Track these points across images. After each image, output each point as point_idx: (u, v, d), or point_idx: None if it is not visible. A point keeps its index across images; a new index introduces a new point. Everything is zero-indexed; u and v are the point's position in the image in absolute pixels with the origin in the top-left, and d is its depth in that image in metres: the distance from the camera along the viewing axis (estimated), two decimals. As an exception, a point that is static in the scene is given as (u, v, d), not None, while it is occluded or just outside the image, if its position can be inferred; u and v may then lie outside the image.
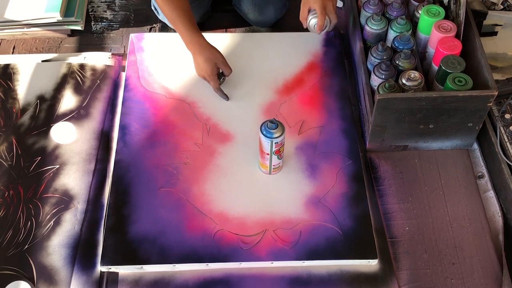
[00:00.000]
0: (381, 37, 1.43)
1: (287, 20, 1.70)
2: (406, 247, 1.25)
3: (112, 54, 1.60)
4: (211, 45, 1.44)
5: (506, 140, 1.32)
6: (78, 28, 1.67)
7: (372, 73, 1.34)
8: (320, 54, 1.57)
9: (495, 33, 1.57)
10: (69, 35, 1.68)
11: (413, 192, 1.33)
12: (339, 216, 1.26)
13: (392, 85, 1.27)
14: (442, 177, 1.36)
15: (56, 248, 1.23)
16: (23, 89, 1.51)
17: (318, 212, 1.27)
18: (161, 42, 1.60)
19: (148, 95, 1.48)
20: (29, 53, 1.63)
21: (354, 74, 1.53)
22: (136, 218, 1.26)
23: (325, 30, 1.40)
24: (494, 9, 1.55)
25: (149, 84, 1.50)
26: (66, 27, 1.67)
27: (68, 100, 1.48)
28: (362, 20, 1.47)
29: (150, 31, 1.69)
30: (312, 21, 1.39)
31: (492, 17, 1.54)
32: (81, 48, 1.65)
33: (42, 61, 1.58)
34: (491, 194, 1.32)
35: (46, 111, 1.46)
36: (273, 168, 1.31)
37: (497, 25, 1.56)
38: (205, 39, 1.43)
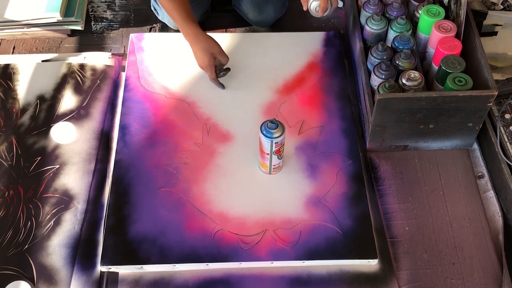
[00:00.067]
0: (381, 37, 1.43)
1: (287, 20, 1.71)
2: (406, 247, 1.25)
3: (112, 54, 1.60)
4: (208, 36, 1.44)
5: (506, 140, 1.32)
6: (78, 28, 1.67)
7: (372, 73, 1.34)
8: (320, 54, 1.57)
9: (495, 33, 1.57)
10: (69, 35, 1.68)
11: (413, 192, 1.33)
12: (339, 216, 1.26)
13: (392, 85, 1.27)
14: (442, 177, 1.36)
15: (56, 248, 1.23)
16: (23, 89, 1.51)
17: (318, 212, 1.27)
18: (161, 42, 1.60)
19: (148, 95, 1.48)
20: (29, 53, 1.63)
21: (354, 74, 1.53)
22: (136, 218, 1.26)
23: (327, 13, 1.38)
24: (494, 9, 1.55)
25: (149, 84, 1.50)
26: (66, 27, 1.67)
27: (68, 100, 1.48)
28: (362, 20, 1.47)
29: (150, 31, 1.69)
30: (314, 3, 1.37)
31: (492, 17, 1.54)
32: (81, 48, 1.65)
33: (42, 61, 1.58)
34: (491, 194, 1.32)
35: (46, 111, 1.46)
36: (273, 168, 1.31)
37: (497, 25, 1.56)
38: (201, 30, 1.43)
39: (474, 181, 1.35)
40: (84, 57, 1.59)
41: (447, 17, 1.39)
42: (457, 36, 1.35)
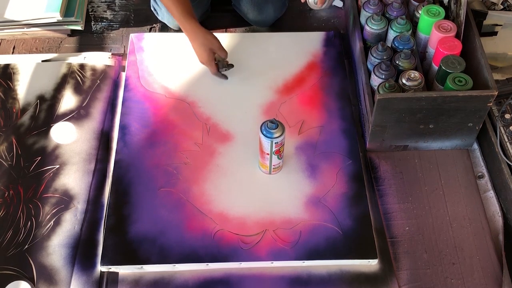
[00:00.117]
0: (381, 37, 1.43)
1: (287, 20, 1.71)
2: (406, 247, 1.25)
3: (112, 54, 1.60)
4: (206, 31, 1.44)
5: (506, 140, 1.32)
6: (78, 28, 1.67)
7: (372, 73, 1.34)
8: (320, 54, 1.57)
9: (495, 33, 1.57)
10: (69, 35, 1.68)
11: (413, 192, 1.33)
12: (339, 216, 1.26)
13: (392, 85, 1.27)
14: (442, 177, 1.36)
15: (56, 248, 1.23)
16: (23, 89, 1.51)
17: (318, 212, 1.27)
18: (161, 42, 1.60)
19: (148, 95, 1.48)
20: (29, 53, 1.63)
21: (354, 74, 1.53)
22: (136, 218, 1.26)
23: (325, 5, 1.37)
24: (494, 9, 1.55)
25: (149, 84, 1.50)
26: (66, 27, 1.67)
27: (68, 100, 1.48)
28: (362, 20, 1.47)
29: (150, 31, 1.69)
30: None
31: (492, 17, 1.54)
32: (81, 48, 1.65)
33: (42, 61, 1.58)
34: (491, 194, 1.32)
35: (46, 111, 1.46)
36: (273, 168, 1.31)
37: (497, 25, 1.56)
38: (199, 25, 1.44)
39: (474, 181, 1.35)
40: (84, 57, 1.59)
41: (447, 17, 1.39)
42: (457, 36, 1.35)
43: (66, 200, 1.30)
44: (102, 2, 1.77)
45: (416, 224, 1.29)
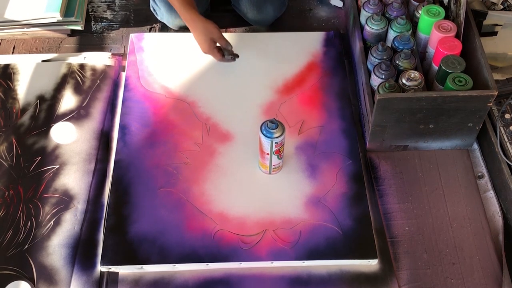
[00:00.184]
0: (381, 37, 1.43)
1: (286, 20, 1.71)
2: (406, 247, 1.25)
3: (112, 54, 1.60)
4: (206, 21, 1.44)
5: (506, 140, 1.32)
6: (78, 28, 1.67)
7: (372, 73, 1.34)
8: (320, 54, 1.57)
9: (495, 33, 1.57)
10: (69, 35, 1.68)
11: (413, 192, 1.33)
12: (339, 216, 1.26)
13: (392, 85, 1.27)
14: (442, 177, 1.36)
15: (56, 248, 1.23)
16: (23, 89, 1.51)
17: (318, 212, 1.27)
18: (161, 42, 1.60)
19: (148, 95, 1.48)
20: (29, 53, 1.63)
21: (354, 74, 1.53)
22: (136, 218, 1.26)
23: None
24: (494, 9, 1.55)
25: (149, 84, 1.50)
26: (66, 27, 1.67)
27: (68, 100, 1.48)
28: (362, 20, 1.47)
29: (150, 31, 1.69)
30: None
31: (492, 17, 1.54)
32: (81, 48, 1.65)
33: (42, 61, 1.58)
34: (491, 194, 1.32)
35: (46, 111, 1.46)
36: (273, 168, 1.31)
37: (497, 25, 1.56)
38: (199, 15, 1.44)
39: (474, 181, 1.35)
40: (84, 57, 1.59)
41: (447, 17, 1.39)
42: (457, 36, 1.35)
43: (66, 200, 1.30)
44: (102, 2, 1.77)
45: (416, 224, 1.29)
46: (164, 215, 1.27)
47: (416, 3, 1.47)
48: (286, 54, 1.57)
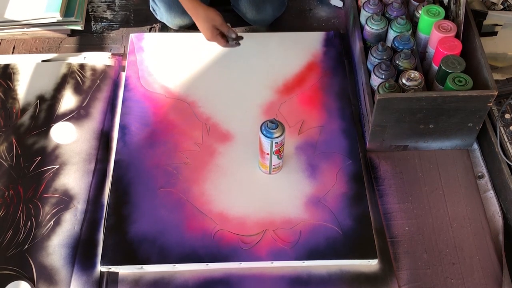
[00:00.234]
0: (381, 37, 1.43)
1: (286, 20, 1.71)
2: (406, 247, 1.25)
3: (112, 54, 1.60)
4: (206, 7, 1.46)
5: (506, 140, 1.32)
6: (78, 28, 1.67)
7: (372, 73, 1.34)
8: (320, 54, 1.57)
9: (495, 33, 1.57)
10: (69, 35, 1.68)
11: (413, 192, 1.33)
12: (339, 216, 1.26)
13: (392, 85, 1.27)
14: (442, 177, 1.36)
15: (56, 248, 1.23)
16: (23, 89, 1.51)
17: (318, 212, 1.27)
18: (161, 42, 1.60)
19: (148, 95, 1.48)
20: (29, 53, 1.63)
21: (354, 74, 1.53)
22: (136, 218, 1.26)
23: None
24: (494, 9, 1.55)
25: (149, 84, 1.50)
26: (66, 27, 1.67)
27: (68, 100, 1.48)
28: (362, 20, 1.47)
29: (150, 31, 1.69)
30: None
31: (492, 17, 1.54)
32: (81, 48, 1.65)
33: (42, 61, 1.58)
34: (491, 194, 1.32)
35: (46, 111, 1.46)
36: (273, 168, 1.31)
37: (497, 25, 1.56)
38: (199, 3, 1.45)
39: (474, 181, 1.35)
40: (84, 57, 1.59)
41: (447, 17, 1.39)
42: (457, 36, 1.35)
43: (66, 200, 1.30)
44: (102, 2, 1.77)
45: (416, 224, 1.29)
46: (164, 215, 1.27)
47: (416, 3, 1.47)
48: (286, 54, 1.57)
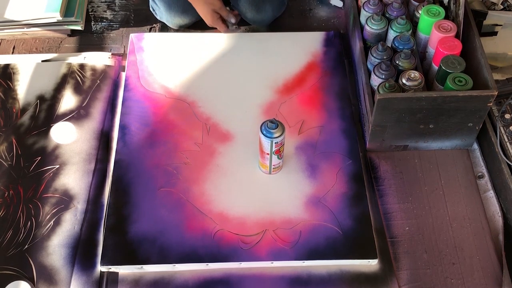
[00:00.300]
0: (381, 37, 1.43)
1: (286, 20, 1.71)
2: (406, 247, 1.25)
3: (112, 54, 1.60)
4: None
5: (506, 140, 1.32)
6: (78, 28, 1.67)
7: (372, 73, 1.34)
8: (320, 54, 1.57)
9: (495, 33, 1.57)
10: (69, 35, 1.68)
11: (413, 192, 1.33)
12: (339, 216, 1.26)
13: (392, 85, 1.27)
14: (442, 177, 1.36)
15: (56, 248, 1.23)
16: (23, 89, 1.51)
17: (318, 212, 1.27)
18: (161, 42, 1.60)
19: (148, 95, 1.48)
20: (29, 53, 1.63)
21: (354, 74, 1.53)
22: (136, 218, 1.26)
23: None
24: (494, 9, 1.55)
25: (149, 84, 1.50)
26: (66, 27, 1.66)
27: (68, 100, 1.48)
28: (362, 20, 1.47)
29: (150, 31, 1.69)
30: None
31: (492, 17, 1.54)
32: (81, 48, 1.65)
33: (42, 61, 1.58)
34: (491, 194, 1.32)
35: (46, 111, 1.46)
36: (273, 168, 1.31)
37: (497, 25, 1.56)
38: None
39: (474, 181, 1.35)
40: (84, 57, 1.59)
41: (447, 17, 1.39)
42: (457, 36, 1.35)
43: (66, 200, 1.30)
44: (102, 2, 1.77)
45: (416, 224, 1.29)
46: (164, 215, 1.27)
47: (416, 3, 1.47)
48: (286, 54, 1.57)
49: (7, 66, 1.56)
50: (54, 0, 1.64)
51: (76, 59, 1.58)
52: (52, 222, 1.27)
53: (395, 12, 1.43)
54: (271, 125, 1.21)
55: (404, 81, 1.29)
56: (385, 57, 1.35)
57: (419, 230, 1.28)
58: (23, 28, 1.65)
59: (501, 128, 1.34)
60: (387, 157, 1.39)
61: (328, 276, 1.21)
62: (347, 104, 1.46)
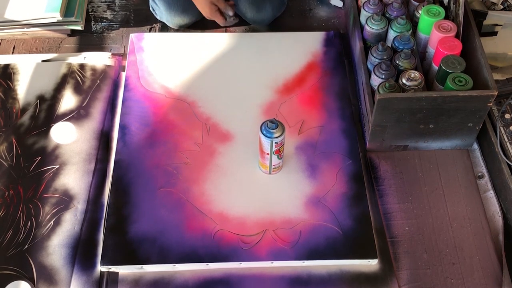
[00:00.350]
0: (381, 37, 1.43)
1: (286, 20, 1.71)
2: (406, 247, 1.25)
3: (112, 54, 1.60)
4: None
5: (506, 140, 1.32)
6: (78, 28, 1.67)
7: (372, 73, 1.34)
8: (320, 54, 1.57)
9: (495, 33, 1.57)
10: (69, 35, 1.68)
11: (413, 192, 1.33)
12: (339, 216, 1.26)
13: (392, 85, 1.27)
14: (442, 177, 1.36)
15: (56, 248, 1.23)
16: (23, 89, 1.51)
17: (318, 212, 1.27)
18: (161, 42, 1.60)
19: (148, 95, 1.48)
20: (29, 53, 1.63)
21: (354, 74, 1.53)
22: (136, 218, 1.26)
23: None
24: (494, 9, 1.55)
25: (149, 84, 1.50)
26: (66, 27, 1.66)
27: (68, 100, 1.48)
28: (362, 20, 1.47)
29: (150, 31, 1.69)
30: None
31: (492, 17, 1.54)
32: (81, 48, 1.65)
33: (42, 61, 1.58)
34: (491, 194, 1.32)
35: (46, 111, 1.46)
36: (273, 168, 1.31)
37: (497, 25, 1.56)
38: None
39: (474, 181, 1.35)
40: (84, 57, 1.59)
41: (447, 17, 1.39)
42: (457, 36, 1.35)
43: (66, 200, 1.30)
44: (102, 2, 1.77)
45: (416, 224, 1.29)
46: (164, 215, 1.27)
47: (416, 3, 1.47)
48: (286, 54, 1.57)
49: (7, 66, 1.56)
50: (54, 0, 1.64)
51: (76, 59, 1.58)
52: (52, 222, 1.27)
53: (395, 12, 1.43)
54: (271, 125, 1.21)
55: (404, 81, 1.29)
56: (385, 57, 1.35)
57: (419, 230, 1.28)
58: (23, 28, 1.65)
59: (501, 128, 1.34)
60: (387, 157, 1.39)
61: (328, 276, 1.21)
62: (347, 104, 1.46)
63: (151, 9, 1.67)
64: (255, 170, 1.34)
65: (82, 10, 1.70)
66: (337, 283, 1.20)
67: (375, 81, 1.33)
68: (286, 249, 1.22)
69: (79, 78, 1.52)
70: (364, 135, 1.41)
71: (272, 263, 1.21)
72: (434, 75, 1.34)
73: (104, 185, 1.35)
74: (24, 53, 1.64)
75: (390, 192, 1.33)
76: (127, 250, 1.21)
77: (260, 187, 1.32)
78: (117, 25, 1.71)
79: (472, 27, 1.34)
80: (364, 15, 1.46)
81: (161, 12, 1.62)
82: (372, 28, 1.41)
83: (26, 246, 1.23)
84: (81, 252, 1.23)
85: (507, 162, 1.29)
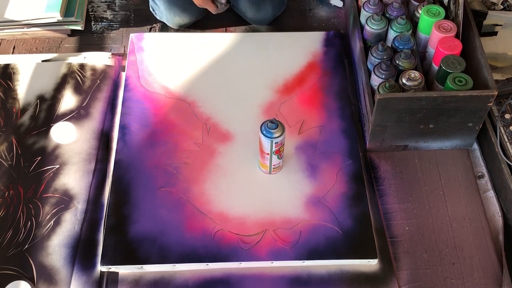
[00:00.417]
0: (381, 37, 1.43)
1: (286, 20, 1.71)
2: (406, 247, 1.25)
3: (112, 54, 1.60)
4: None
5: (506, 140, 1.32)
6: (78, 28, 1.67)
7: (372, 73, 1.34)
8: (320, 54, 1.57)
9: (495, 33, 1.57)
10: (69, 35, 1.68)
11: (413, 192, 1.33)
12: (339, 216, 1.26)
13: (392, 85, 1.27)
14: (442, 177, 1.36)
15: (56, 248, 1.23)
16: (23, 89, 1.51)
17: (318, 212, 1.27)
18: (161, 42, 1.60)
19: (148, 95, 1.48)
20: (29, 53, 1.63)
21: (354, 74, 1.53)
22: (136, 218, 1.26)
23: None
24: (494, 9, 1.55)
25: (149, 84, 1.50)
26: (66, 27, 1.66)
27: (68, 100, 1.48)
28: (362, 20, 1.47)
29: (150, 31, 1.69)
30: None
31: (492, 17, 1.54)
32: (81, 48, 1.65)
33: (42, 61, 1.58)
34: (491, 194, 1.32)
35: (46, 111, 1.46)
36: (273, 168, 1.31)
37: (497, 25, 1.56)
38: None
39: (474, 181, 1.35)
40: (84, 57, 1.59)
41: (447, 17, 1.39)
42: (457, 36, 1.35)
43: (66, 200, 1.30)
44: (102, 2, 1.77)
45: (416, 224, 1.29)
46: (164, 215, 1.27)
47: (416, 3, 1.47)
48: (286, 54, 1.57)
49: (7, 66, 1.56)
50: (54, 0, 1.64)
51: (76, 59, 1.58)
52: (52, 222, 1.27)
53: (395, 12, 1.43)
54: (271, 125, 1.21)
55: (404, 81, 1.29)
56: (385, 57, 1.35)
57: (419, 230, 1.28)
58: (23, 28, 1.65)
59: (501, 128, 1.34)
60: (387, 157, 1.39)
61: (328, 276, 1.21)
62: (347, 104, 1.46)
63: (151, 9, 1.67)
64: (255, 170, 1.34)
65: (82, 10, 1.70)
66: (337, 283, 1.20)
67: (375, 81, 1.33)
68: (286, 249, 1.22)
69: (79, 78, 1.52)
70: (364, 135, 1.41)
71: (272, 263, 1.21)
72: (434, 75, 1.34)
73: (104, 185, 1.35)
74: (24, 53, 1.64)
75: (390, 192, 1.33)
76: (127, 250, 1.22)
77: (260, 187, 1.32)
78: (117, 25, 1.71)
79: (472, 27, 1.34)
80: (364, 15, 1.46)
81: (161, 12, 1.62)
82: (372, 28, 1.41)
83: (26, 246, 1.23)
84: (81, 252, 1.23)
85: (507, 162, 1.29)
